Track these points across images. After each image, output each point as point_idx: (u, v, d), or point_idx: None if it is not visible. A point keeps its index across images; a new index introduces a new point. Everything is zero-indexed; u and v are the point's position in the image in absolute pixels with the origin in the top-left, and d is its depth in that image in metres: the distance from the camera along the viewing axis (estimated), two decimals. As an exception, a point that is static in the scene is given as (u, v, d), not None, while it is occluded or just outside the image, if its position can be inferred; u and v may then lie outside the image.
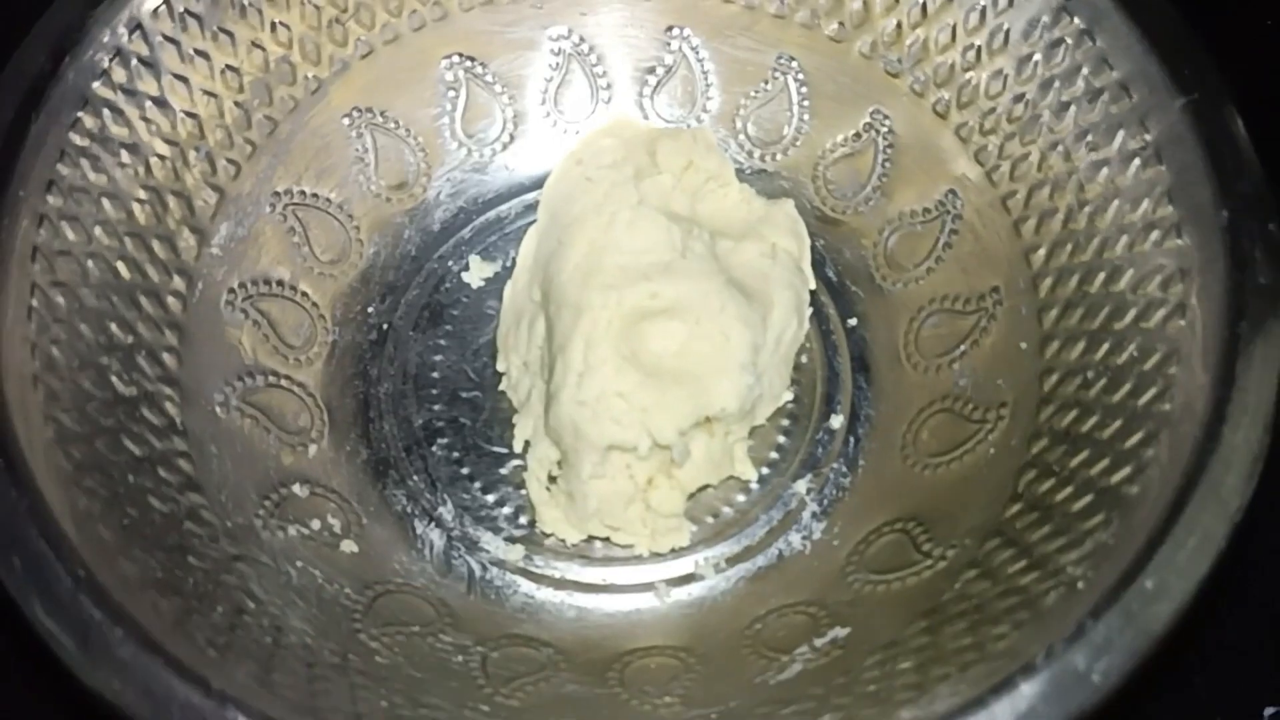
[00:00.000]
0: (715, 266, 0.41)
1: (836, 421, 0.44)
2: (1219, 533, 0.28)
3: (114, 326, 0.36)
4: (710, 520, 0.42)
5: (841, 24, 0.46)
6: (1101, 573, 0.29)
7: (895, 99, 0.45)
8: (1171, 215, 0.35)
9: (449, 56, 0.47)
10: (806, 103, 0.48)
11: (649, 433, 0.38)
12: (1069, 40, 0.39)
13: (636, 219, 0.40)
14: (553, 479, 0.41)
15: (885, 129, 0.46)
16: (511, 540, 0.41)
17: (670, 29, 0.48)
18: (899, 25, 0.44)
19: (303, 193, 0.45)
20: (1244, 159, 0.34)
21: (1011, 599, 0.31)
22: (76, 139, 0.36)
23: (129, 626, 0.27)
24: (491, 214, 0.49)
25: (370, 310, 0.46)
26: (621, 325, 0.39)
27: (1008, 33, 0.41)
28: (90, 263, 0.36)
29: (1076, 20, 0.39)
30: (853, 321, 0.46)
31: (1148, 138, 0.36)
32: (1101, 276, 0.37)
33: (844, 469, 0.43)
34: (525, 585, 0.41)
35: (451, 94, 0.48)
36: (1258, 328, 0.31)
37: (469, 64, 0.48)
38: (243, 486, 0.38)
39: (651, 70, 0.49)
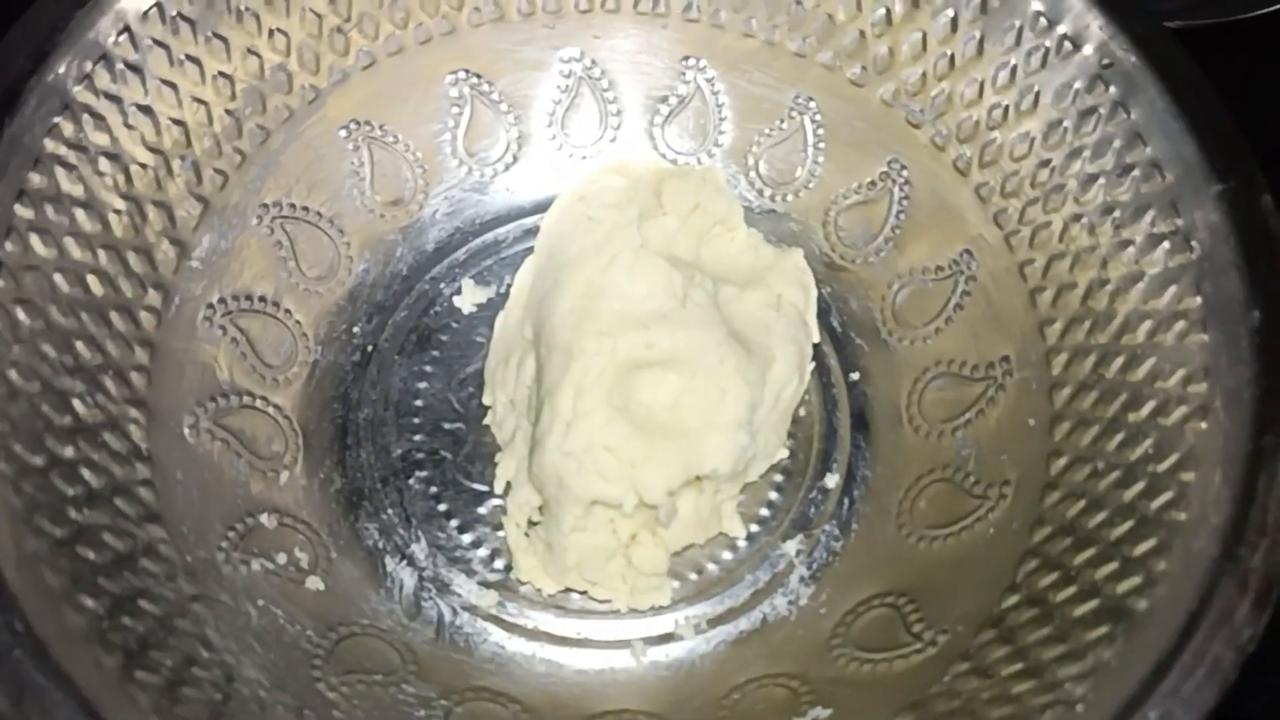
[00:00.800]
0: (716, 317, 0.39)
1: (832, 481, 0.42)
2: (1229, 662, 0.26)
3: (80, 345, 0.34)
4: (693, 577, 0.40)
5: (864, 68, 0.44)
6: (1103, 695, 0.27)
7: (914, 150, 0.44)
8: (1198, 308, 0.33)
9: (455, 72, 0.46)
10: (822, 145, 0.46)
11: (636, 491, 0.36)
12: (1103, 110, 0.37)
13: (637, 263, 0.38)
14: (533, 524, 0.40)
15: (902, 180, 0.44)
16: (485, 585, 0.40)
17: (686, 59, 0.46)
18: (924, 75, 0.42)
19: (292, 205, 0.43)
20: (1278, 255, 0.32)
21: (1004, 708, 0.30)
22: (52, 146, 0.34)
23: (67, 688, 0.25)
24: (489, 236, 0.48)
25: (355, 330, 0.44)
26: (614, 374, 0.37)
27: (1038, 94, 0.40)
28: (59, 277, 0.34)
29: (1112, 90, 0.37)
30: (855, 376, 0.45)
31: (1178, 222, 0.35)
32: (1119, 362, 0.36)
33: (836, 532, 0.41)
34: (496, 634, 0.39)
35: (455, 110, 0.46)
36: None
37: (475, 81, 0.46)
38: (207, 517, 0.37)
39: (664, 99, 0.47)
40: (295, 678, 0.34)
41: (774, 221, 0.47)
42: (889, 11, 0.42)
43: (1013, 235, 0.41)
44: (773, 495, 0.42)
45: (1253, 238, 0.33)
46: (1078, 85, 0.38)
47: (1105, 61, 0.37)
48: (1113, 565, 0.31)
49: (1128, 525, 0.32)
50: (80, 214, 0.35)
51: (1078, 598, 0.31)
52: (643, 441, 0.37)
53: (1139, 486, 0.32)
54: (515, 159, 0.48)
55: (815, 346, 0.44)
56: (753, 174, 0.47)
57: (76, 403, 0.33)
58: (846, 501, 0.42)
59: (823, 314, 0.45)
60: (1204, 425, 0.31)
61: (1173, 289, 0.34)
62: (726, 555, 0.41)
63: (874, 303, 0.45)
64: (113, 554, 0.31)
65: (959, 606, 0.36)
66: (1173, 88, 0.36)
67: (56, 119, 0.34)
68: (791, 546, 0.41)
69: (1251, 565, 0.27)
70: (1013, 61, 0.40)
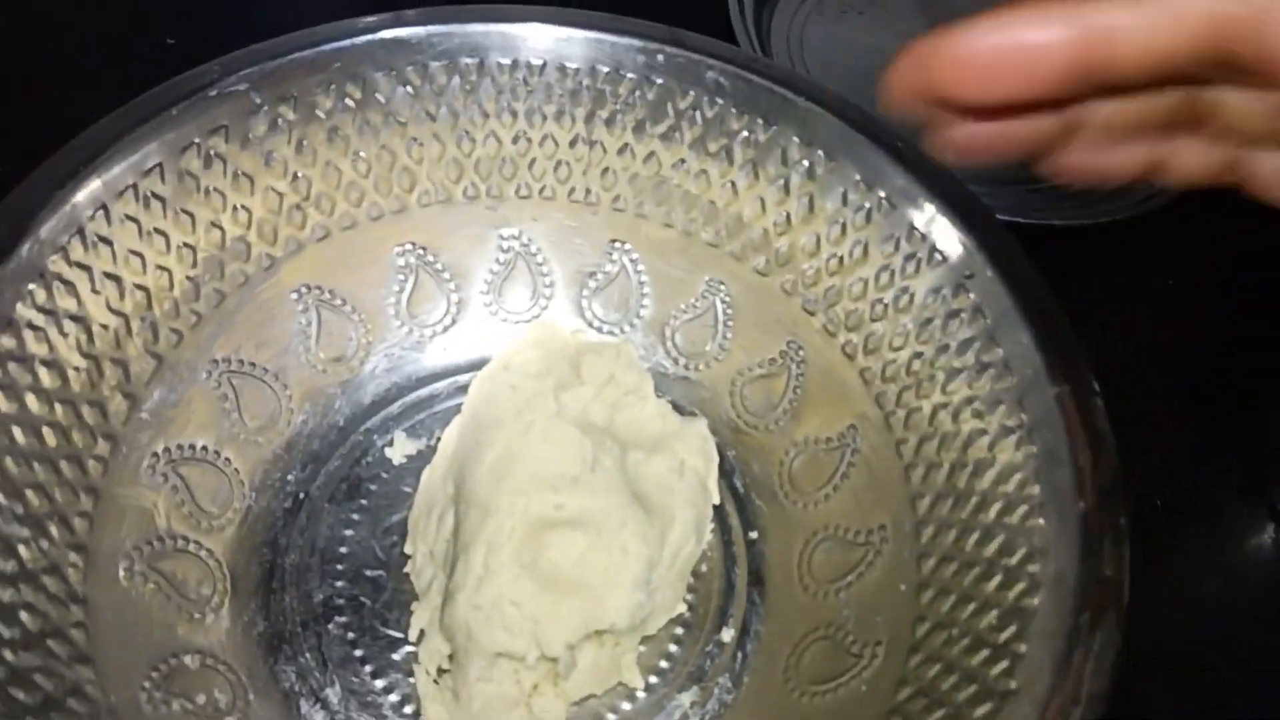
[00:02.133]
0: (622, 481, 0.43)
1: (728, 635, 0.46)
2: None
3: (30, 493, 0.37)
4: (593, 726, 0.43)
5: (767, 260, 0.49)
6: None
7: (810, 334, 0.49)
8: (1037, 495, 0.38)
9: (402, 244, 0.50)
10: (730, 323, 0.51)
11: (538, 643, 0.39)
12: (964, 314, 0.43)
13: (551, 430, 0.42)
14: (442, 671, 0.42)
15: (799, 359, 0.49)
16: (394, 730, 0.42)
17: (614, 241, 0.52)
18: (818, 270, 0.48)
19: (240, 361, 0.47)
20: (1103, 453, 0.37)
21: None
22: (23, 311, 0.38)
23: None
24: (424, 391, 0.51)
25: (290, 478, 0.48)
26: (525, 532, 0.41)
27: (912, 295, 0.45)
28: (17, 429, 0.37)
29: (972, 296, 0.43)
30: (754, 534, 0.48)
31: (1024, 417, 0.40)
32: (974, 538, 0.40)
33: (729, 684, 0.44)
34: (402, 778, 0.41)
35: (400, 278, 0.51)
36: (1098, 620, 0.33)
37: (421, 253, 0.51)
38: (133, 657, 0.39)
39: (593, 275, 0.52)
40: (204, 817, 0.36)
41: (687, 388, 0.52)
42: (789, 215, 0.48)
43: (890, 415, 0.46)
44: (672, 648, 0.45)
45: (1082, 436, 0.37)
46: (945, 290, 0.44)
47: (967, 273, 0.43)
48: (958, 727, 0.35)
49: (971, 690, 0.35)
50: (42, 371, 0.39)
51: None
52: (547, 598, 0.40)
53: (983, 654, 0.36)
54: (454, 321, 0.52)
55: (718, 506, 0.48)
56: (670, 344, 0.52)
57: (21, 548, 0.36)
58: (740, 655, 0.45)
59: (728, 475, 0.49)
60: (1035, 601, 0.35)
61: (1017, 476, 0.39)
62: (625, 706, 0.44)
63: (773, 467, 0.49)
64: (42, 695, 0.33)
65: (834, 762, 0.39)
66: (1022, 299, 0.41)
67: (30, 286, 0.38)
68: (686, 698, 0.44)
69: (1065, 733, 0.31)
70: (892, 265, 0.46)
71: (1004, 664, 0.35)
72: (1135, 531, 0.36)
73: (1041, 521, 0.37)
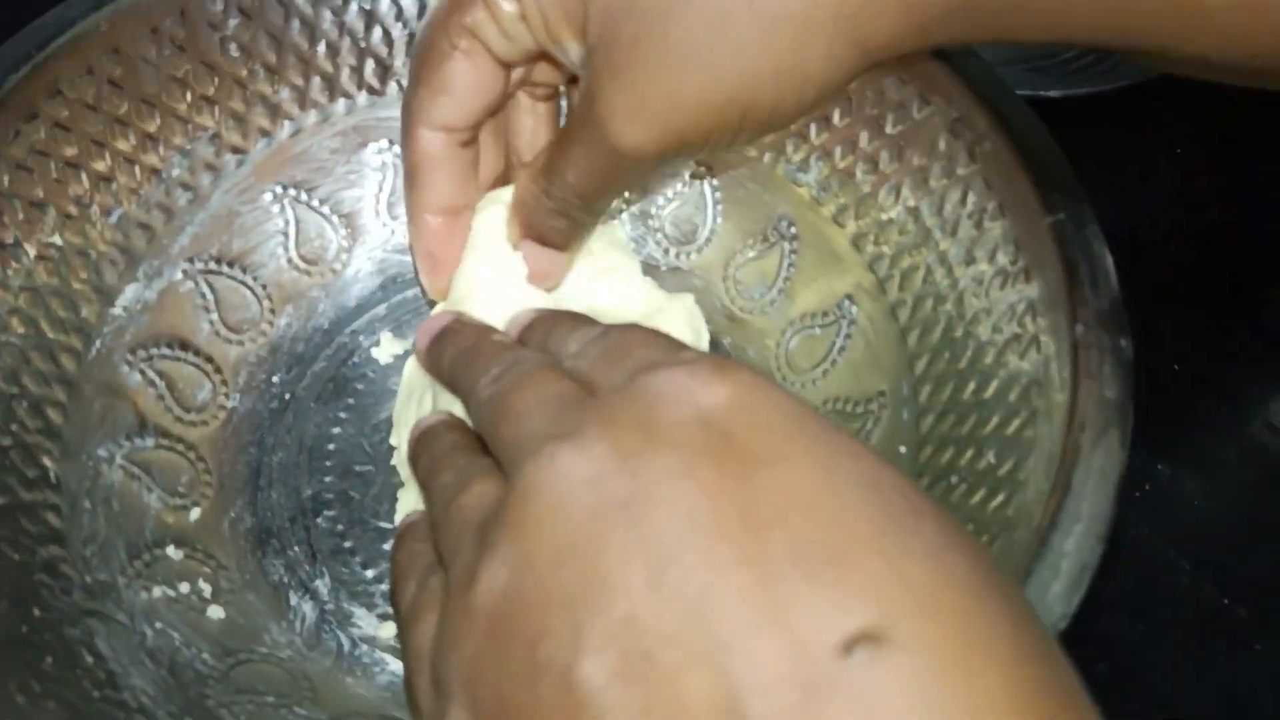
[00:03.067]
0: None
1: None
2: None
3: (-6, 376, 0.37)
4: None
5: (751, 133, 0.47)
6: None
7: (799, 207, 0.47)
8: (1033, 329, 0.36)
9: (378, 141, 0.49)
10: (719, 205, 0.49)
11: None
12: (958, 160, 0.41)
13: (524, 300, 0.41)
14: (431, 556, 0.41)
15: (791, 235, 0.48)
16: (384, 618, 0.41)
17: (594, 129, 0.50)
18: (802, 133, 0.46)
19: (217, 260, 0.46)
20: (1100, 278, 0.35)
21: None
22: (-20, 194, 0.37)
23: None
24: (410, 292, 0.50)
25: (275, 380, 0.47)
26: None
27: (902, 148, 0.43)
28: (-24, 312, 0.37)
29: (963, 140, 0.41)
30: (752, 420, 0.47)
31: (1020, 257, 0.38)
32: (972, 385, 0.38)
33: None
34: (394, 664, 0.40)
35: (378, 177, 0.50)
36: (1099, 439, 0.31)
37: (399, 151, 0.50)
38: (112, 544, 0.38)
39: (574, 167, 0.51)
40: (184, 694, 0.35)
41: (680, 278, 0.50)
42: (769, 81, 0.46)
43: (885, 280, 0.44)
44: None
45: (1077, 262, 0.35)
46: (938, 139, 0.42)
47: (956, 115, 0.41)
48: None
49: (969, 529, 0.34)
50: (6, 258, 0.38)
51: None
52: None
53: (982, 492, 0.34)
54: (438, 223, 0.51)
55: (713, 393, 0.46)
56: (659, 235, 0.51)
57: (-17, 424, 0.35)
58: (740, 536, 0.44)
59: (724, 363, 0.48)
60: (1032, 432, 0.33)
61: (1015, 316, 0.37)
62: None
63: (769, 351, 0.48)
64: (9, 563, 0.33)
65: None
66: (1014, 135, 0.39)
67: (-14, 170, 0.38)
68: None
69: (1065, 549, 0.29)
70: (880, 116, 0.44)
71: (1002, 495, 0.33)
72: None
73: (1037, 353, 0.35)
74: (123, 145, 0.42)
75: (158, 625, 0.37)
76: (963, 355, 0.39)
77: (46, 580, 0.34)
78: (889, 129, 0.43)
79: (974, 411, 0.37)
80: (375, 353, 0.48)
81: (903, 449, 0.40)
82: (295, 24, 0.45)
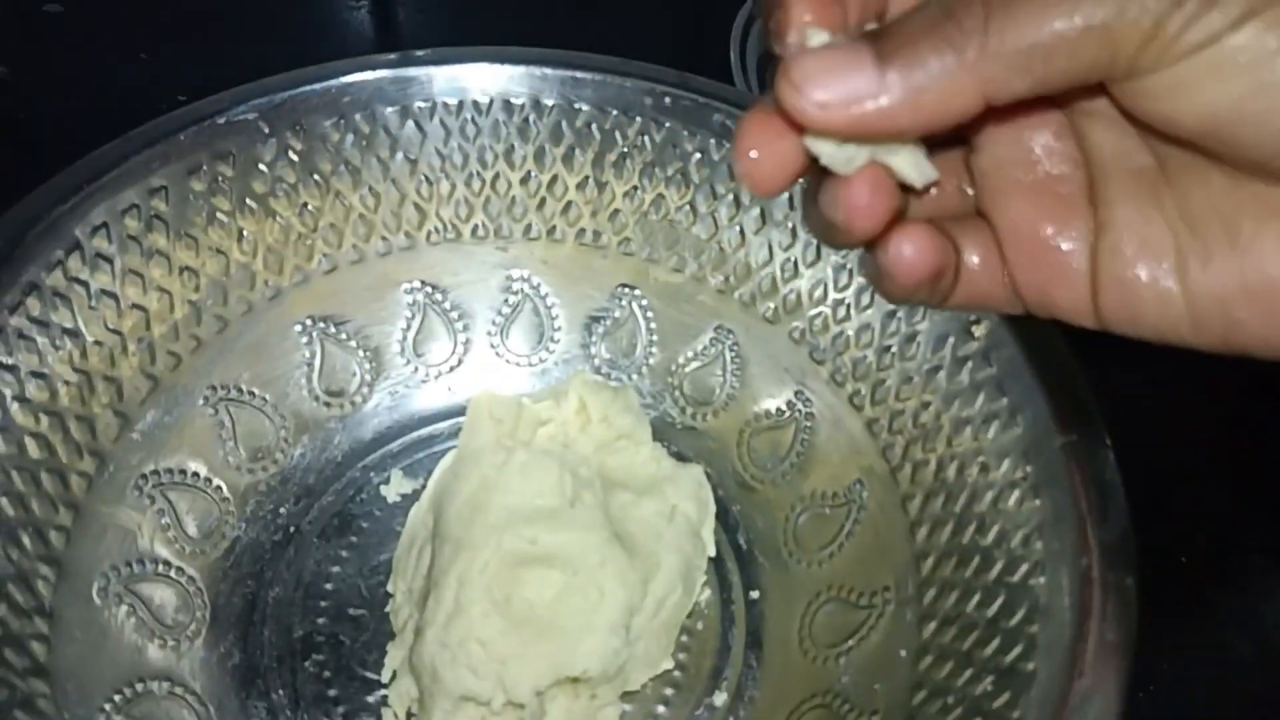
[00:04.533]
0: (603, 519, 0.41)
1: (720, 699, 0.43)
2: None
3: (4, 501, 0.37)
4: (567, 785, 0.41)
5: (775, 307, 0.48)
6: None
7: (817, 383, 0.47)
8: (1040, 552, 0.35)
9: (411, 282, 0.50)
10: (738, 371, 0.50)
11: (503, 687, 0.37)
12: (971, 362, 0.41)
13: (530, 462, 0.41)
14: (410, 715, 0.41)
15: (807, 410, 0.47)
16: (359, 774, 0.40)
17: (622, 286, 0.51)
18: (825, 317, 0.46)
19: (239, 389, 0.47)
20: (1111, 506, 0.34)
21: None
22: (16, 322, 0.39)
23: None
24: (425, 431, 0.51)
25: (282, 510, 0.47)
26: (498, 568, 0.39)
27: (919, 342, 0.43)
28: (-1, 437, 0.38)
29: (977, 342, 0.41)
30: (755, 594, 0.46)
31: (1030, 470, 0.37)
32: (976, 599, 0.37)
33: (718, 751, 0.42)
34: (362, 825, 0.39)
35: (408, 315, 0.51)
36: (1097, 686, 0.30)
37: (429, 291, 0.51)
38: (96, 677, 0.38)
39: (599, 319, 0.51)
40: None
41: (694, 439, 0.50)
42: (796, 261, 0.47)
43: (897, 469, 0.43)
44: (660, 709, 0.43)
45: (1088, 489, 0.35)
46: (951, 337, 0.42)
47: (973, 319, 0.41)
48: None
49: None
50: (30, 382, 0.39)
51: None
52: (516, 638, 0.38)
53: (975, 723, 0.33)
54: (460, 362, 0.51)
55: (720, 563, 0.45)
56: (677, 393, 0.51)
57: (-12, 554, 0.36)
58: (731, 720, 0.43)
59: (731, 531, 0.47)
60: (1030, 666, 0.32)
61: (1021, 531, 0.36)
62: (605, 765, 0.41)
63: (778, 524, 0.47)
64: (-14, 701, 0.33)
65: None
66: (1029, 345, 0.39)
67: (24, 297, 0.39)
68: (671, 762, 0.41)
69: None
70: (899, 311, 0.44)
71: (994, 731, 0.32)
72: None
73: (1043, 580, 0.34)
74: (159, 274, 0.44)
75: (129, 768, 0.37)
76: (969, 563, 0.38)
77: (22, 718, 0.34)
78: (906, 324, 0.44)
79: (975, 629, 0.36)
80: (384, 490, 0.48)
81: (903, 653, 0.39)
82: (342, 169, 0.47)
